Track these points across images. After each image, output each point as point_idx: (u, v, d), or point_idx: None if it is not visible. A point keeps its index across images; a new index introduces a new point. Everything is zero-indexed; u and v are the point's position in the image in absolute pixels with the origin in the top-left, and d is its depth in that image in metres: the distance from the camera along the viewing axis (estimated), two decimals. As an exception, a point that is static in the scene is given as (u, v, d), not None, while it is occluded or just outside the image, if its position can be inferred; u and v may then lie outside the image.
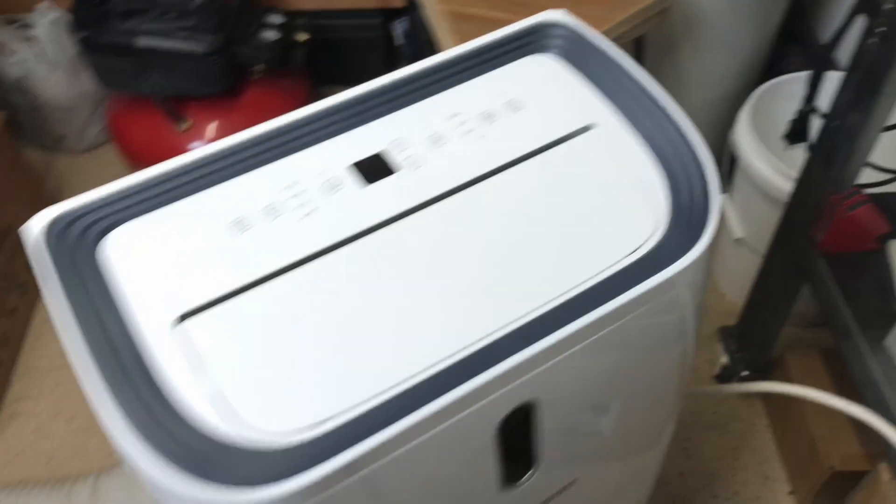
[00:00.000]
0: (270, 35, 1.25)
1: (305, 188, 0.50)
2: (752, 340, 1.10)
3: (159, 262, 0.47)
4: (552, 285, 0.47)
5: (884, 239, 0.87)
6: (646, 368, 0.57)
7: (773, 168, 1.06)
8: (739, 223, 1.18)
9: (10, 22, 1.42)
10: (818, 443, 0.98)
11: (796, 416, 1.03)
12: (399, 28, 1.47)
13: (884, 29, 0.75)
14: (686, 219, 0.51)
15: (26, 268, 1.29)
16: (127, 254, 0.47)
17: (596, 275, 0.48)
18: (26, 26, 1.41)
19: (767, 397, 1.15)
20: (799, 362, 1.04)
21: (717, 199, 0.52)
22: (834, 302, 0.85)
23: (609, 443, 0.60)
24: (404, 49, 1.52)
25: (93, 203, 0.50)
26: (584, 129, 0.54)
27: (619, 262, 0.49)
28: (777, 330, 1.05)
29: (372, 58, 1.56)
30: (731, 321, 1.18)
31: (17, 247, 1.27)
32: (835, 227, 0.86)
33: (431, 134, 0.53)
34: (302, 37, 1.30)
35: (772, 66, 1.31)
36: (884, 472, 0.80)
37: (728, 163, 1.19)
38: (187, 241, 0.48)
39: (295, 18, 1.36)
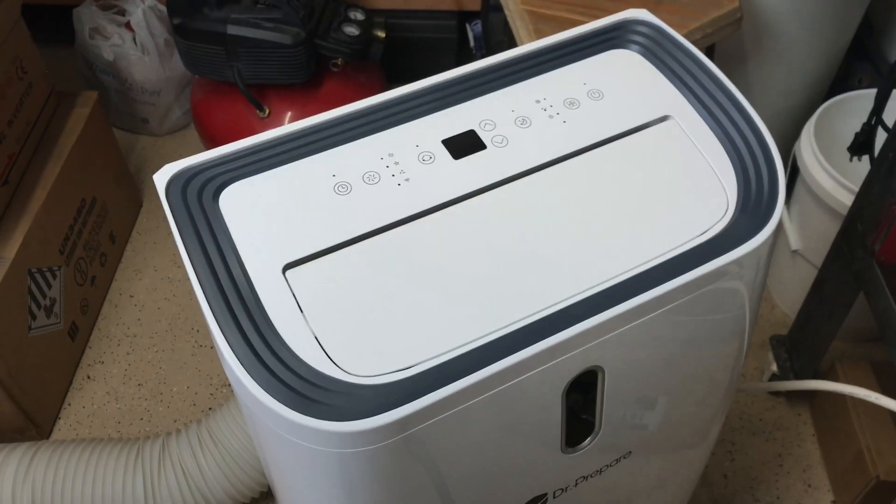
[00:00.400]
0: (352, 30, 1.31)
1: (401, 159, 0.55)
2: (802, 350, 1.12)
3: (269, 217, 0.52)
4: (625, 258, 0.51)
5: (943, 252, 0.89)
6: (703, 352, 0.60)
7: (835, 180, 1.07)
8: (797, 235, 1.20)
9: (108, 7, 1.51)
10: (865, 452, 0.99)
11: (843, 425, 1.04)
12: (474, 30, 1.52)
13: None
14: (753, 206, 0.54)
15: (109, 238, 1.37)
16: (240, 208, 0.52)
17: (667, 251, 0.52)
18: (122, 12, 1.50)
19: (814, 407, 1.17)
20: (849, 372, 1.05)
21: (782, 188, 0.55)
22: (889, 310, 0.87)
23: (661, 424, 0.63)
24: (475, 51, 1.56)
25: (208, 162, 0.55)
26: (662, 119, 0.58)
27: (689, 241, 0.52)
28: (829, 340, 1.07)
29: (444, 59, 1.61)
30: (783, 331, 1.19)
31: (101, 218, 1.34)
32: (893, 237, 0.88)
33: (518, 116, 0.58)
34: (381, 34, 1.36)
35: (838, 82, 1.33)
36: (931, 479, 0.82)
37: (789, 175, 1.21)
38: (294, 199, 0.53)
39: (374, 16, 1.41)
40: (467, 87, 0.60)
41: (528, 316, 0.48)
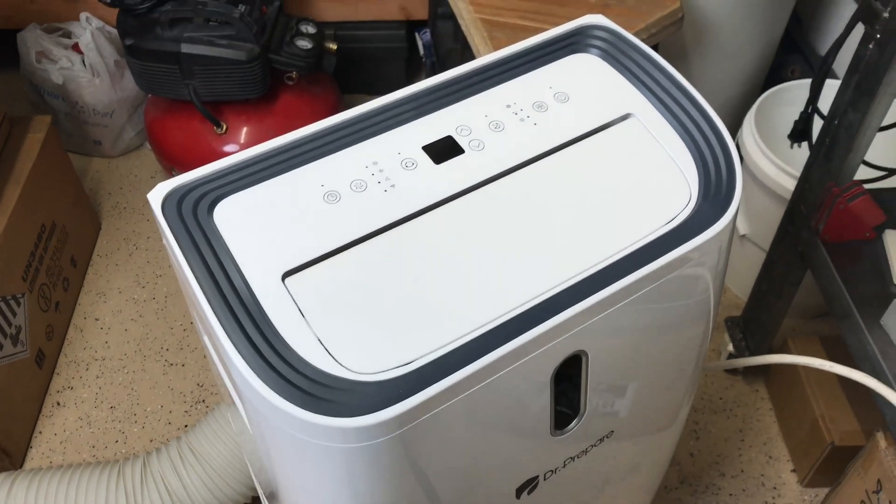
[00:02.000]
0: (304, 43, 1.33)
1: (385, 166, 0.58)
2: (756, 328, 1.18)
3: (263, 228, 0.54)
4: (602, 249, 0.55)
5: (880, 228, 0.95)
6: (676, 332, 0.64)
7: (777, 167, 1.14)
8: (744, 221, 1.26)
9: (53, 30, 1.50)
10: (819, 421, 1.05)
11: (798, 397, 1.11)
12: (423, 39, 1.56)
13: (880, 36, 0.83)
14: (714, 194, 0.59)
15: (70, 262, 1.36)
16: (235, 221, 0.54)
17: (638, 241, 0.56)
18: (68, 35, 1.49)
19: (770, 382, 1.23)
20: (801, 347, 1.12)
21: (739, 175, 0.60)
22: (835, 286, 0.93)
23: (639, 402, 0.67)
24: (425, 59, 1.60)
25: (200, 179, 0.57)
26: (624, 118, 0.62)
27: (658, 229, 0.56)
28: (780, 317, 1.13)
29: (395, 68, 1.64)
30: (736, 313, 1.26)
31: (62, 243, 1.33)
32: (835, 217, 0.94)
33: (491, 121, 0.61)
34: (332, 46, 1.38)
35: (772, 73, 1.40)
36: (880, 439, 0.88)
37: (733, 164, 1.27)
38: (286, 210, 0.55)
39: (323, 29, 1.44)
40: (442, 96, 0.64)
41: (517, 307, 0.52)
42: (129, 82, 1.49)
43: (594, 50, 0.67)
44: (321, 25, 1.41)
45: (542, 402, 0.56)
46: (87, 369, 1.30)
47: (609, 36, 0.67)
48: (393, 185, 0.56)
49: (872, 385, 0.75)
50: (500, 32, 1.01)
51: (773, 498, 1.11)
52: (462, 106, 0.63)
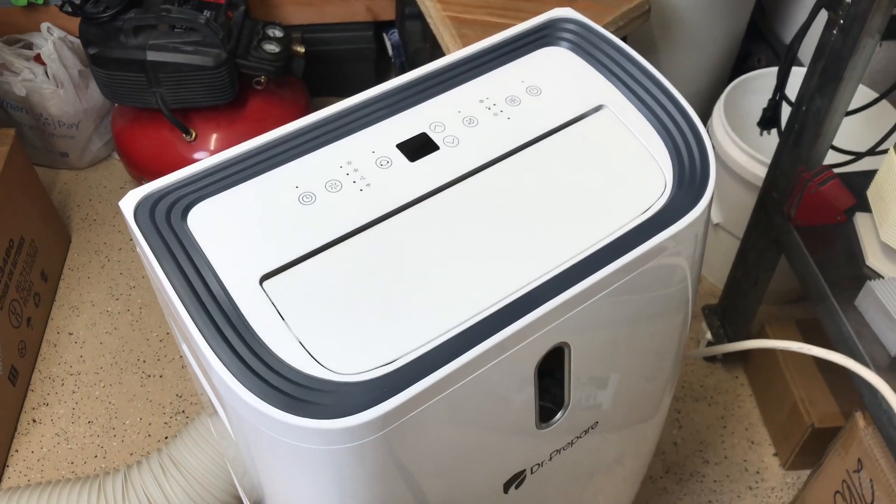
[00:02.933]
0: (272, 47, 1.32)
1: (360, 166, 0.57)
2: (733, 316, 1.19)
3: (239, 232, 0.53)
4: (578, 241, 0.55)
5: (850, 211, 0.96)
6: (655, 323, 0.65)
7: (747, 154, 1.15)
8: (717, 210, 1.28)
9: (14, 42, 1.47)
10: (799, 404, 1.06)
11: (777, 382, 1.12)
12: (391, 39, 1.55)
13: (843, 21, 0.84)
14: (688, 183, 0.59)
15: (41, 277, 1.33)
16: (210, 226, 0.54)
17: (615, 231, 0.56)
18: (29, 46, 1.47)
19: (749, 368, 1.24)
20: (778, 331, 1.13)
21: (713, 164, 0.60)
22: (809, 270, 0.94)
23: (622, 391, 0.67)
24: (394, 59, 1.59)
25: (172, 184, 0.56)
26: (597, 109, 0.62)
27: (634, 219, 0.56)
28: (757, 303, 1.14)
29: (364, 69, 1.63)
30: (713, 301, 1.27)
31: (31, 257, 1.31)
32: (806, 202, 0.96)
33: (465, 116, 0.61)
34: (300, 49, 1.37)
35: (739, 63, 1.41)
36: (859, 419, 0.89)
37: (704, 154, 1.28)
38: (261, 213, 0.54)
39: (290, 32, 1.43)
40: (414, 93, 0.63)
41: (497, 302, 0.51)
42: (94, 92, 1.47)
43: (564, 43, 0.67)
44: (288, 29, 1.40)
45: (526, 395, 0.56)
46: (63, 384, 1.28)
47: (578, 28, 0.67)
48: (368, 185, 0.56)
49: (849, 365, 0.76)
50: (468, 29, 1.01)
51: (757, 482, 1.13)
52: (435, 102, 0.62)
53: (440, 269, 0.53)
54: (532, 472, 0.63)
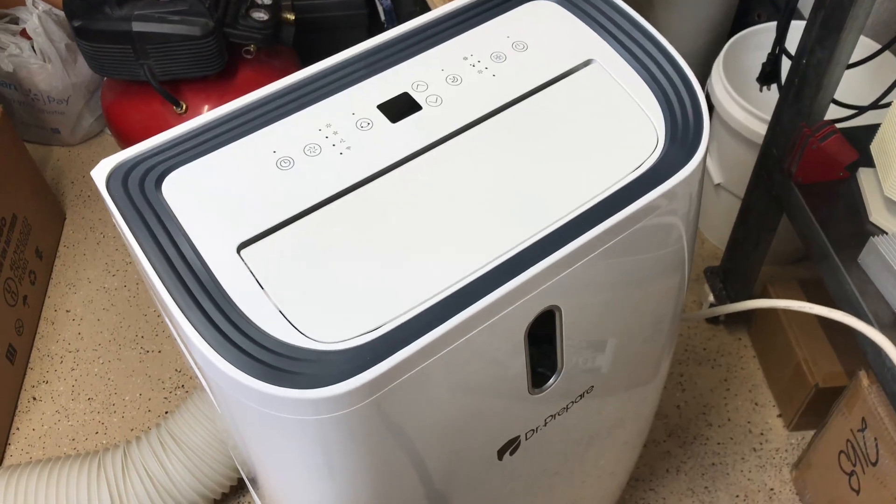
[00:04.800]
0: (261, 15, 1.29)
1: (339, 128, 0.55)
2: (735, 277, 1.17)
3: (215, 199, 0.52)
4: (569, 200, 0.53)
5: (852, 167, 0.94)
6: (651, 282, 0.63)
7: (748, 112, 1.12)
8: (717, 169, 1.25)
9: (0, 17, 1.45)
10: (802, 364, 1.05)
11: (780, 342, 1.10)
12: (383, 4, 1.52)
13: (844, -31, 0.81)
14: (681, 137, 0.57)
15: (35, 255, 1.32)
16: (185, 194, 0.52)
17: (606, 189, 0.54)
18: (16, 20, 1.44)
19: (752, 329, 1.23)
20: (780, 292, 1.11)
21: (706, 118, 0.58)
22: (811, 228, 0.92)
23: (617, 356, 0.66)
24: (386, 25, 1.56)
25: (146, 152, 0.54)
26: (586, 64, 0.60)
27: (625, 177, 0.54)
28: (759, 264, 1.12)
29: (356, 36, 1.59)
30: (715, 263, 1.25)
31: (24, 235, 1.30)
32: (807, 158, 0.93)
33: (448, 75, 0.59)
34: (290, 17, 1.34)
35: (739, 19, 1.38)
36: (863, 378, 0.87)
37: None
38: (238, 179, 0.53)
39: None
40: (395, 52, 0.61)
41: (484, 265, 0.50)
42: (82, 66, 1.45)
43: (552, -4, 0.65)
44: (277, -4, 1.37)
45: (517, 361, 0.55)
46: (62, 362, 1.27)
47: (566, -20, 0.65)
48: (349, 147, 0.54)
49: (852, 323, 0.74)
50: (458, -11, 0.98)
51: (761, 444, 1.12)
52: (417, 61, 0.60)
53: (423, 233, 0.51)
54: (527, 438, 0.62)
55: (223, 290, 0.48)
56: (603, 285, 0.57)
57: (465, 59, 0.60)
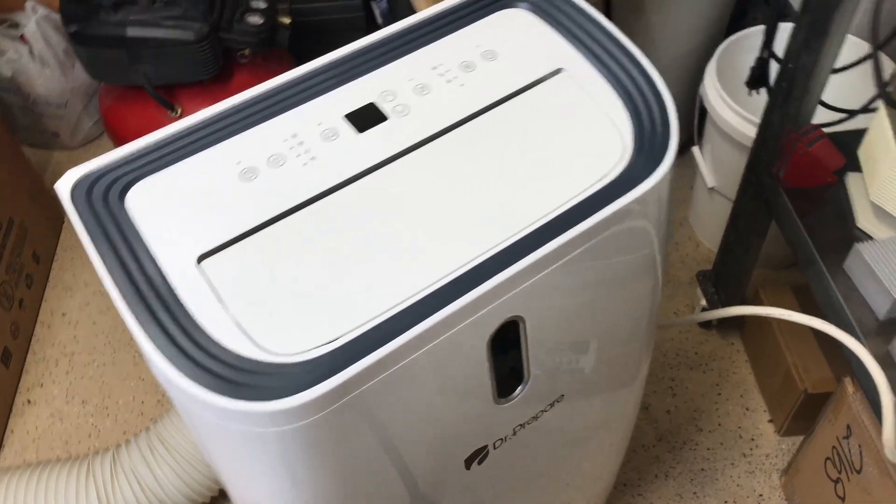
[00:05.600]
0: (255, 19, 1.29)
1: (305, 139, 0.55)
2: (727, 281, 1.16)
3: (178, 211, 0.52)
4: (533, 210, 0.53)
5: (842, 172, 0.93)
6: (619, 292, 0.63)
7: (739, 115, 1.12)
8: (711, 173, 1.24)
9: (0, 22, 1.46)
10: (793, 370, 1.04)
11: (771, 348, 1.09)
12: (380, 6, 1.52)
13: (828, -26, 0.80)
14: (649, 147, 0.57)
15: (32, 258, 1.33)
16: (148, 206, 0.52)
17: (572, 198, 0.54)
18: (15, 25, 1.45)
19: (745, 334, 1.22)
20: (771, 297, 1.10)
21: (675, 127, 0.57)
22: (798, 233, 0.91)
23: (587, 366, 0.66)
24: (383, 28, 1.56)
25: (112, 163, 0.55)
26: (555, 73, 0.60)
27: (591, 186, 0.54)
28: (750, 269, 1.12)
29: (354, 38, 1.59)
30: (709, 267, 1.24)
31: (21, 239, 1.31)
32: (795, 163, 0.92)
33: (416, 84, 0.59)
34: (285, 20, 1.35)
35: (735, 21, 1.37)
36: (848, 385, 0.87)
37: (699, 116, 1.25)
38: (202, 190, 0.53)
39: (277, 2, 1.40)
40: (366, 60, 0.61)
41: (444, 277, 0.50)
42: (80, 71, 1.46)
43: (523, 4, 0.65)
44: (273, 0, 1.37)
45: (480, 371, 0.55)
46: (57, 365, 1.28)
47: (538, -12, 0.65)
48: (313, 158, 0.54)
49: (829, 331, 0.74)
50: (444, -6, 0.98)
51: (751, 449, 1.11)
52: (387, 70, 0.60)
53: (385, 244, 0.51)
54: (495, 448, 0.62)
55: (182, 302, 0.48)
56: (569, 294, 0.57)
57: (435, 68, 0.60)
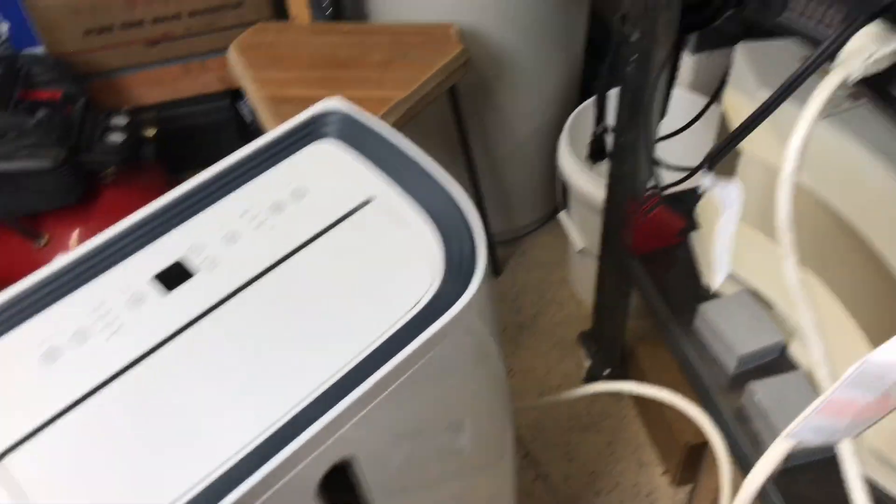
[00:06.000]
0: (116, 137, 1.29)
1: (111, 307, 0.55)
2: (604, 340, 1.20)
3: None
4: (345, 352, 0.54)
5: (683, 233, 0.98)
6: (455, 403, 0.63)
7: (592, 183, 1.16)
8: (579, 236, 1.29)
9: None
10: (672, 423, 1.07)
11: (655, 403, 1.12)
12: (246, 107, 1.54)
13: (636, 56, 0.85)
14: (458, 270, 0.58)
15: None
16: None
17: (383, 333, 0.55)
18: None
19: (634, 389, 1.25)
20: (647, 352, 1.14)
21: (483, 249, 0.59)
22: (650, 296, 0.95)
23: (442, 474, 0.66)
24: (253, 126, 1.57)
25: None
26: (364, 204, 0.61)
27: (402, 317, 0.56)
28: (622, 326, 1.15)
29: (225, 138, 1.61)
30: (590, 326, 1.27)
31: None
32: (640, 229, 0.97)
33: (225, 234, 0.59)
34: (150, 132, 1.35)
35: (588, 83, 1.43)
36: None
37: (562, 184, 1.29)
38: (3, 381, 0.52)
39: (141, 114, 1.40)
40: (176, 213, 0.62)
41: (257, 437, 0.50)
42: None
43: (333, 136, 0.66)
44: (135, 113, 1.37)
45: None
46: None
47: (345, 118, 0.67)
48: (119, 328, 0.54)
49: (675, 403, 0.76)
50: (287, 107, 1.00)
51: (651, 504, 1.13)
52: (197, 221, 0.61)
53: (190, 414, 0.51)
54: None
55: (-14, 504, 0.47)
56: (400, 421, 0.58)
57: (243, 214, 0.61)
